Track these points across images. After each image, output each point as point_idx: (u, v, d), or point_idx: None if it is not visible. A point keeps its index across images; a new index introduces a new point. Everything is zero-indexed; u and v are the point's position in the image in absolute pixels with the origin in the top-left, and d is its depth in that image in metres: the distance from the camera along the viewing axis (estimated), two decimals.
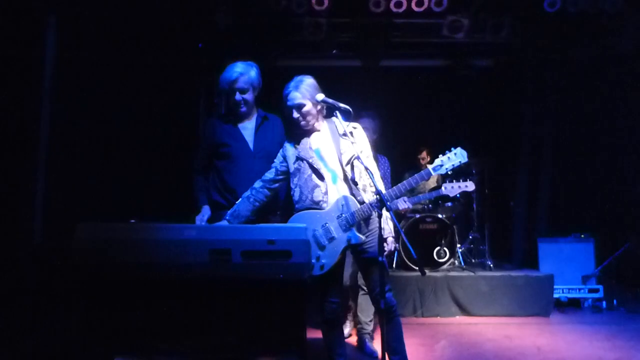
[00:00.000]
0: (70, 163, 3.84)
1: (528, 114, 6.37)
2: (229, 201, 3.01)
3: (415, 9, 5.37)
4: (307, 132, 2.92)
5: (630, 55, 5.80)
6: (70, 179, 3.65)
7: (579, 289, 5.51)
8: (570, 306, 5.49)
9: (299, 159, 2.89)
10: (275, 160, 2.99)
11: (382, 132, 4.47)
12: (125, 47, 4.52)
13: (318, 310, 2.87)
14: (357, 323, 4.11)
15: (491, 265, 5.55)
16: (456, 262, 5.61)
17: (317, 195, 2.81)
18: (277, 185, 2.99)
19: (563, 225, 5.97)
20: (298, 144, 2.93)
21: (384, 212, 2.58)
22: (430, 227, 5.55)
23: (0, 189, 2.95)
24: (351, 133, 2.86)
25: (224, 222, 2.88)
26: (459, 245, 5.70)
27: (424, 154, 6.27)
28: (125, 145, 4.95)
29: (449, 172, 2.84)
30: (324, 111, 2.94)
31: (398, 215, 4.86)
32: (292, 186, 2.92)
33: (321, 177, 2.83)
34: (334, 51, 6.22)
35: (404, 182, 2.80)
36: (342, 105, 2.76)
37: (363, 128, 3.03)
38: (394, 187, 2.81)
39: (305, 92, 2.82)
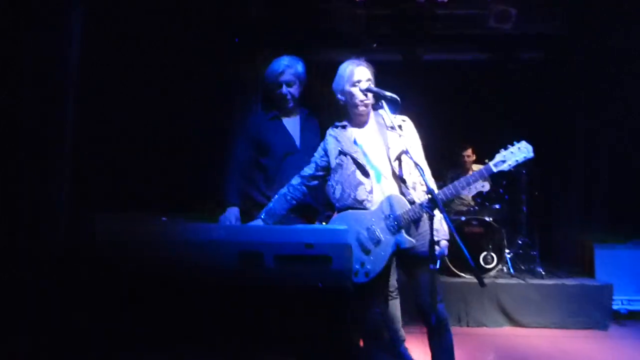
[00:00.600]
0: (98, 159, 3.69)
1: (582, 109, 5.92)
2: (272, 198, 2.78)
3: None
4: (357, 122, 2.69)
5: None
6: (96, 175, 3.51)
7: None
8: (631, 319, 5.04)
9: (341, 153, 2.63)
10: (315, 154, 2.76)
11: (422, 128, 4.18)
12: (152, 38, 4.36)
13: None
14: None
15: (542, 273, 5.13)
16: (504, 268, 5.22)
17: (361, 193, 2.54)
18: (316, 182, 2.75)
19: (621, 230, 5.49)
20: (341, 137, 2.68)
21: (437, 213, 2.29)
22: (476, 231, 5.18)
23: (21, 188, 2.82)
24: (400, 126, 2.60)
25: (258, 221, 2.66)
26: (507, 251, 5.31)
27: (469, 151, 5.93)
28: (155, 143, 4.80)
29: (512, 169, 2.53)
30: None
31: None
32: (333, 183, 2.67)
33: (366, 174, 2.56)
34: (374, 45, 5.94)
35: (461, 179, 2.51)
36: (388, 93, 2.50)
37: None
38: (449, 186, 2.51)
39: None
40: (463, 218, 5.24)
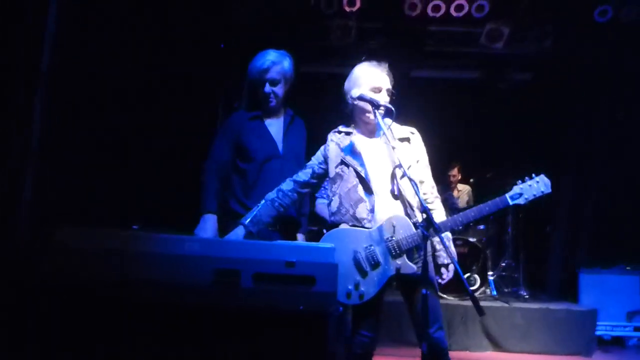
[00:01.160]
0: (70, 165, 3.48)
1: (572, 131, 5.89)
2: (250, 208, 2.52)
3: (454, 14, 4.97)
4: (364, 130, 2.52)
5: None
6: (66, 182, 3.28)
7: (624, 327, 4.97)
8: (614, 345, 4.96)
9: (343, 163, 2.43)
10: (312, 159, 2.54)
11: None
12: (133, 44, 4.18)
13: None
14: None
15: (526, 296, 5.04)
16: (487, 290, 5.12)
17: (361, 211, 2.34)
18: (308, 190, 2.53)
19: (605, 255, 5.43)
20: (344, 144, 2.48)
21: (438, 235, 2.13)
22: (460, 251, 5.06)
23: None
24: (408, 139, 2.47)
25: (239, 229, 2.40)
26: (490, 272, 5.21)
27: (455, 170, 5.86)
28: (135, 150, 4.60)
29: (526, 204, 2.38)
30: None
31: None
32: (329, 193, 2.48)
33: (369, 191, 2.37)
34: (363, 58, 5.84)
35: (473, 208, 2.36)
36: (383, 102, 2.37)
37: None
38: (461, 214, 2.35)
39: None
40: None
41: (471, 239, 5.13)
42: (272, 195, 2.46)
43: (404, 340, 4.41)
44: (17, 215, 2.66)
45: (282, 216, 2.50)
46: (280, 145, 2.69)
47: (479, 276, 5.00)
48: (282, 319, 1.68)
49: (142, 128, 4.47)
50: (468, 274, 4.99)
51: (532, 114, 6.30)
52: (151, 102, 4.57)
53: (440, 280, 2.46)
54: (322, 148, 2.54)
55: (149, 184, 4.48)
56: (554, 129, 6.06)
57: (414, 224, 2.33)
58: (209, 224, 2.52)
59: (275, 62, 2.65)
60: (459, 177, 5.97)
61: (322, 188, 4.07)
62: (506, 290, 5.32)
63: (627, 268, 5.17)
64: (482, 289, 5.02)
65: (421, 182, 2.46)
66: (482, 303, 4.61)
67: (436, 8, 4.95)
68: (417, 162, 2.46)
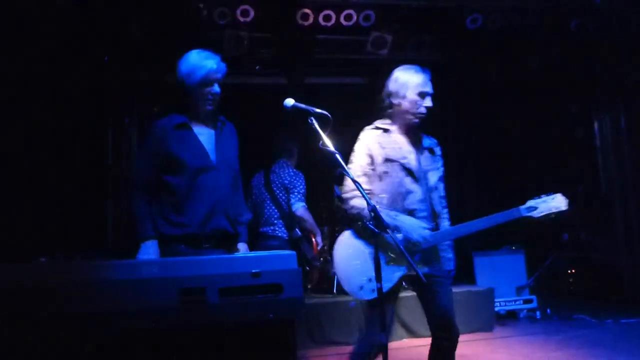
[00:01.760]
0: None
1: (450, 128, 6.46)
2: (183, 227, 2.35)
3: (344, 23, 5.22)
4: (403, 131, 2.63)
5: (537, 73, 6.10)
6: None
7: (515, 301, 5.55)
8: (509, 318, 5.51)
9: (388, 160, 2.52)
10: (355, 162, 2.57)
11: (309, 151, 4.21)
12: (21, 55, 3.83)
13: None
14: None
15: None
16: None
17: (411, 202, 2.49)
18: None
19: (493, 237, 6.02)
20: (385, 142, 2.57)
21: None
22: None
23: None
24: (432, 149, 2.76)
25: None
26: None
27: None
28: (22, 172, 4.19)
29: (540, 218, 2.42)
30: None
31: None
32: (378, 192, 2.52)
33: (416, 181, 2.52)
34: (257, 67, 5.89)
35: (488, 217, 2.45)
36: (318, 110, 2.36)
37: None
38: (475, 221, 2.47)
39: None
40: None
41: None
42: (371, 203, 2.12)
43: (330, 341, 4.53)
44: None
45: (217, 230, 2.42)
46: (213, 155, 2.46)
47: None
48: (252, 329, 1.67)
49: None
50: None
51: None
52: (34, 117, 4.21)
53: None
54: (363, 149, 2.58)
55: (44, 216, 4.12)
56: (434, 129, 6.60)
57: (430, 228, 2.48)
58: (151, 250, 2.34)
59: (221, 63, 2.47)
60: None
61: (297, 192, 4.07)
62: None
63: (513, 248, 5.79)
64: None
65: (435, 188, 2.61)
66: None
67: (327, 17, 5.14)
68: (437, 169, 2.66)
